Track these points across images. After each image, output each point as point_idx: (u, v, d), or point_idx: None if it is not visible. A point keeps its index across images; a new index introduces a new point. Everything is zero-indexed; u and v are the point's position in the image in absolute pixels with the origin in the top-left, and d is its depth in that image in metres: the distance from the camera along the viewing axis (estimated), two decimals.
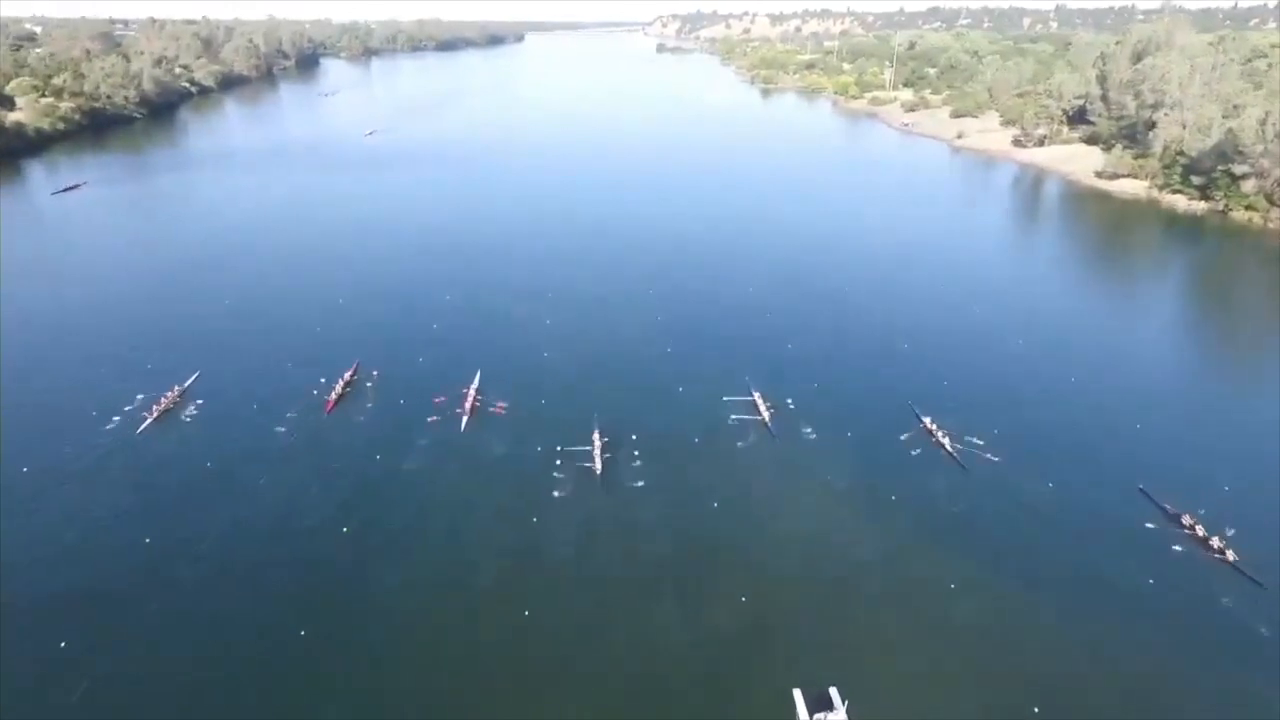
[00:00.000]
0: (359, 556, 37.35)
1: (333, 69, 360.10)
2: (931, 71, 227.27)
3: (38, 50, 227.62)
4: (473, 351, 58.82)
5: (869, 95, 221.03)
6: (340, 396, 52.03)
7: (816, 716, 28.69)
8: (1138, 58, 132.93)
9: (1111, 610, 34.29)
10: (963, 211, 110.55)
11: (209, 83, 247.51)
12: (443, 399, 50.92)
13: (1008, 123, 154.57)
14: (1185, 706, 30.08)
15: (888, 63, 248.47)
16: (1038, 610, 34.50)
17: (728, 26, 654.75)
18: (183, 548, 37.80)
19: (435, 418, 49.33)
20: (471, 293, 72.70)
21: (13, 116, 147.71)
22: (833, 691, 29.45)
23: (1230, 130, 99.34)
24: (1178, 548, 38.06)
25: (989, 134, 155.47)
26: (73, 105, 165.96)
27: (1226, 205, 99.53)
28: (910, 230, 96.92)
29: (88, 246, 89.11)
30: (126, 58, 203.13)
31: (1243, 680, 31.02)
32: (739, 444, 47.41)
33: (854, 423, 49.34)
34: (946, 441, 46.48)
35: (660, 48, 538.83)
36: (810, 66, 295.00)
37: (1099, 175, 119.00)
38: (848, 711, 28.76)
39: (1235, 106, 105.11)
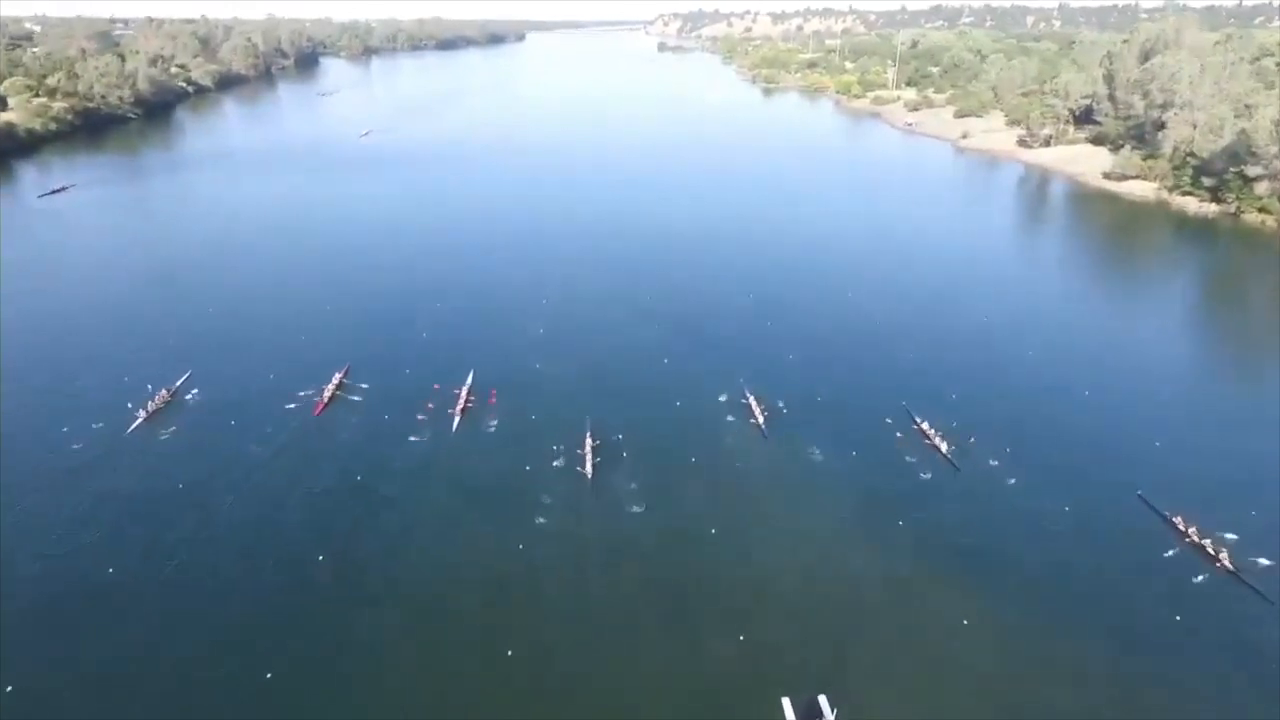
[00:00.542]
0: (340, 571, 36.37)
1: (332, 68, 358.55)
2: (935, 70, 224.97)
3: (33, 50, 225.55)
4: (466, 352, 58.17)
5: (871, 95, 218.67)
6: (331, 398, 51.56)
7: None
8: (1145, 57, 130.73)
9: (1101, 615, 33.70)
10: (966, 213, 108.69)
11: (206, 82, 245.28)
12: (433, 406, 50.13)
13: (1013, 123, 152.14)
14: (1184, 707, 29.69)
15: (890, 62, 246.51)
16: (1030, 614, 33.82)
17: (729, 25, 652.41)
18: (165, 551, 37.33)
19: (424, 418, 48.80)
20: (467, 294, 72.17)
21: (4, 117, 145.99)
22: (822, 699, 28.99)
23: (1243, 131, 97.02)
24: (1172, 553, 37.06)
25: (993, 134, 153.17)
26: (66, 105, 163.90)
27: (1239, 208, 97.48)
28: (912, 231, 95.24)
29: (76, 248, 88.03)
30: (122, 57, 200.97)
31: (1242, 691, 30.15)
32: (730, 446, 46.66)
33: (847, 425, 48.59)
34: (941, 444, 45.67)
35: (661, 47, 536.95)
36: (812, 65, 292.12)
37: (1107, 176, 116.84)
38: (837, 719, 28.10)
39: (1247, 106, 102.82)
